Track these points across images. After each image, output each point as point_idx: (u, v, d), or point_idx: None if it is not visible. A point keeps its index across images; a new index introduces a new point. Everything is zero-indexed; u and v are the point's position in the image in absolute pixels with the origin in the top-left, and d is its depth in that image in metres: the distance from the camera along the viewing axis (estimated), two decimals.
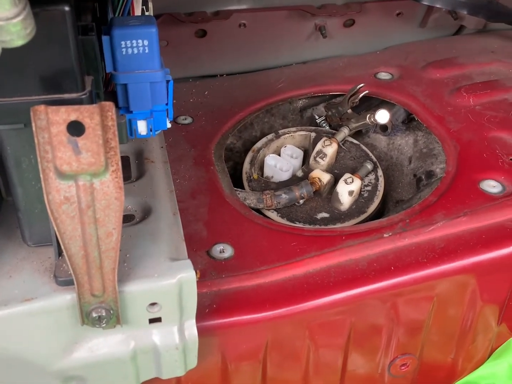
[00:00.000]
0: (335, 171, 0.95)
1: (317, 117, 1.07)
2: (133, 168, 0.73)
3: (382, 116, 0.93)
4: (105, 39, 0.55)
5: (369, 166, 0.94)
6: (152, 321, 0.60)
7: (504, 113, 1.00)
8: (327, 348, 0.78)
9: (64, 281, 0.56)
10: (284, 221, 0.87)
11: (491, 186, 0.85)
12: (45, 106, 0.44)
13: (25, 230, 0.59)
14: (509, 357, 0.89)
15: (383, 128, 1.04)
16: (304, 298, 0.71)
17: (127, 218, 0.65)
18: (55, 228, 0.50)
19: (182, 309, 0.60)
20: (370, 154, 0.99)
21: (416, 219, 0.80)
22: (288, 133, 1.02)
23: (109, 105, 0.45)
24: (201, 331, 0.63)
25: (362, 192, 0.92)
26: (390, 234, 0.78)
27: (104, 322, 0.56)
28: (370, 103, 1.07)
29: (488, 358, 0.91)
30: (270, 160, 0.95)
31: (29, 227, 0.59)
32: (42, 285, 0.57)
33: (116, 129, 0.46)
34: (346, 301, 0.72)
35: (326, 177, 0.90)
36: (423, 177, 0.97)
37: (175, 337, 0.61)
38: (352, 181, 0.89)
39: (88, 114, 0.44)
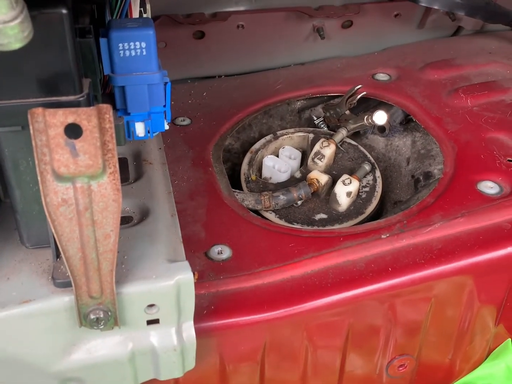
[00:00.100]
0: (333, 172, 0.96)
1: (315, 118, 1.07)
2: (131, 170, 0.73)
3: (380, 117, 0.93)
4: (102, 41, 0.55)
5: (367, 167, 0.94)
6: (150, 322, 0.60)
7: (502, 114, 1.00)
8: (325, 349, 0.78)
9: (62, 283, 0.56)
10: (282, 222, 0.87)
11: (489, 187, 0.85)
12: (43, 109, 0.44)
13: (23, 232, 0.59)
14: (507, 358, 0.89)
15: (381, 129, 1.04)
16: (302, 299, 0.71)
17: (125, 220, 0.65)
18: (53, 230, 0.50)
19: (180, 310, 0.60)
20: (368, 155, 0.99)
21: (413, 220, 0.80)
22: (286, 134, 1.02)
23: (106, 107, 0.45)
24: (199, 333, 0.63)
25: (360, 193, 0.92)
26: (388, 235, 0.78)
27: (102, 323, 0.56)
28: (368, 104, 1.07)
29: (485, 359, 0.91)
30: (268, 161, 0.95)
31: (27, 229, 0.59)
32: (40, 287, 0.57)
33: (114, 132, 0.46)
34: (344, 302, 0.72)
35: (324, 178, 0.90)
36: (421, 178, 0.97)
37: (173, 339, 0.61)
38: (350, 182, 0.89)
39: (85, 117, 0.44)
